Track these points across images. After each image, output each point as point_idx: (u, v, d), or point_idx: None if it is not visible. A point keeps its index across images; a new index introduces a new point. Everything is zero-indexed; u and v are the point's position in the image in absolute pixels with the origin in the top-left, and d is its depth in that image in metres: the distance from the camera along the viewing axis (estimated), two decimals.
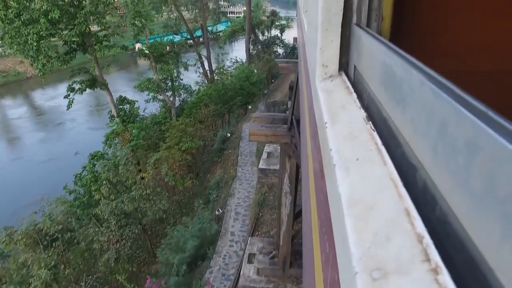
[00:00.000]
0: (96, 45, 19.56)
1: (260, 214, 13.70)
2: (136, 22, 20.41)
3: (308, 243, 1.81)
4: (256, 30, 44.37)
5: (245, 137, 19.65)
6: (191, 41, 32.20)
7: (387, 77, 0.78)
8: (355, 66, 1.19)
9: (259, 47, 44.29)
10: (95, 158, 17.64)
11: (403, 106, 0.67)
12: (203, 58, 31.53)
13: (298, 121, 7.81)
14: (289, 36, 44.71)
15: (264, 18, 51.84)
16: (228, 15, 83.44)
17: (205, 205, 15.32)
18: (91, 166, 17.27)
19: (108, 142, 22.85)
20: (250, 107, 24.07)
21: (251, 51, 43.44)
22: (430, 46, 1.69)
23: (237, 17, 64.15)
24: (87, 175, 17.16)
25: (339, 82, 1.28)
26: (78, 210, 17.05)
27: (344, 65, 1.33)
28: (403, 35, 1.48)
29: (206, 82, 31.77)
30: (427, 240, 0.51)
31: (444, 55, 1.74)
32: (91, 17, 20.54)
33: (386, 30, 1.21)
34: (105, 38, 21.44)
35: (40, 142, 30.25)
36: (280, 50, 44.73)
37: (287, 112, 20.98)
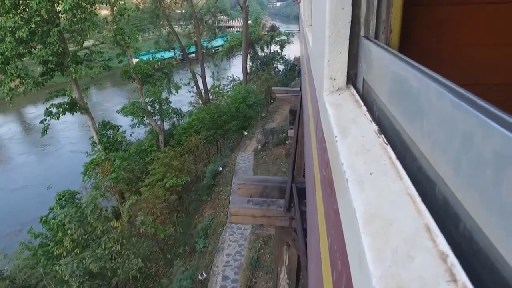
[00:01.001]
0: (71, 66, 17.06)
1: (254, 280, 10.96)
2: (118, 40, 17.94)
3: (314, 263, 1.73)
4: (255, 46, 42.21)
5: (239, 171, 17.01)
6: (185, 57, 29.84)
7: (401, 89, 0.75)
8: (364, 79, 1.16)
9: (259, 62, 42.09)
10: (63, 198, 14.95)
11: (420, 119, 0.64)
12: (197, 77, 29.10)
13: (301, 191, 5.23)
14: (289, 51, 42.54)
15: (264, 33, 49.86)
16: (228, 29, 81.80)
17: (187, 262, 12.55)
18: (58, 207, 14.59)
19: (88, 173, 20.28)
20: (246, 133, 21.46)
21: (250, 67, 41.17)
22: (437, 59, 1.64)
23: (236, 31, 61.95)
24: (54, 218, 14.48)
25: (348, 95, 1.24)
26: (43, 259, 14.30)
27: (352, 78, 1.29)
28: (412, 48, 1.41)
29: (201, 102, 29.29)
30: (452, 258, 0.48)
31: (451, 68, 1.69)
32: (69, 35, 18.15)
33: (394, 42, 1.20)
34: (85, 58, 19.04)
35: (23, 166, 27.66)
36: (280, 67, 42.52)
37: (287, 142, 18.38)
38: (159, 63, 21.72)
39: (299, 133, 7.20)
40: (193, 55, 31.75)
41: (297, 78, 36.54)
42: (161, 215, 14.49)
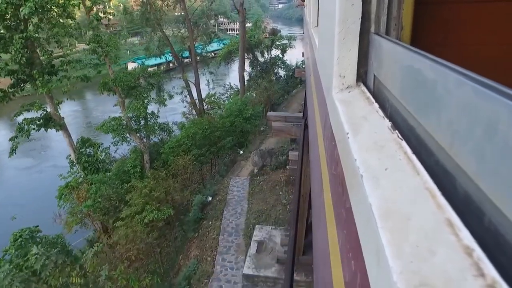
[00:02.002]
0: (38, 79, 14.57)
1: None
2: (92, 47, 15.44)
3: (322, 263, 1.64)
4: (255, 50, 39.68)
5: (231, 201, 14.41)
6: (177, 64, 27.22)
7: (416, 83, 0.73)
8: (375, 76, 1.14)
9: (258, 68, 39.54)
10: (20, 239, 12.42)
11: (438, 111, 0.61)
12: (191, 85, 26.54)
13: None
14: (291, 56, 40.00)
15: (265, 35, 47.23)
16: (228, 32, 79.10)
17: None
18: (14, 250, 12.07)
19: (63, 198, 17.79)
20: (241, 151, 18.85)
21: (249, 73, 38.52)
22: (448, 57, 1.19)
23: (237, 34, 59.25)
24: (9, 262, 11.97)
25: (358, 93, 1.21)
26: None
27: (362, 75, 1.26)
28: (423, 45, 1.13)
29: (195, 112, 26.73)
30: (478, 253, 0.46)
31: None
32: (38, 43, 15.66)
33: (406, 39, 1.18)
34: (59, 68, 16.55)
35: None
36: (282, 72, 39.94)
37: (288, 166, 15.66)
38: (146, 72, 19.02)
39: (303, 162, 6.44)
40: (188, 59, 29.02)
41: (299, 86, 33.92)
42: (136, 261, 11.93)
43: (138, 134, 18.16)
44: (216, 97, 26.58)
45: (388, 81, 0.98)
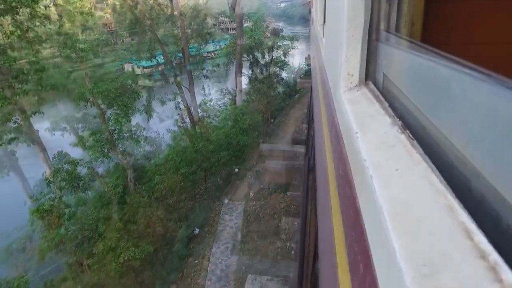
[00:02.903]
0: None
1: None
2: (65, 53, 13.25)
3: (328, 268, 1.59)
4: (255, 52, 37.38)
5: (222, 233, 12.18)
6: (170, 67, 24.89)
7: (429, 81, 0.71)
8: (384, 74, 1.09)
9: (259, 70, 37.23)
10: None
11: (452, 110, 0.60)
12: (185, 90, 24.28)
13: None
14: (293, 59, 37.69)
15: (266, 34, 44.79)
16: (229, 31, 76.76)
17: None
18: None
19: (35, 223, 15.67)
20: (237, 169, 16.58)
21: (250, 75, 36.22)
22: (460, 54, 1.16)
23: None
24: None
25: (366, 92, 1.15)
26: None
27: (371, 74, 1.20)
28: (435, 42, 1.14)
29: (189, 121, 24.48)
30: (495, 257, 0.43)
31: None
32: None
33: (417, 37, 1.19)
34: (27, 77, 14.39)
35: None
36: (284, 74, 37.65)
37: (288, 193, 13.16)
38: (132, 80, 16.74)
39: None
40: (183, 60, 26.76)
41: (302, 90, 31.59)
42: None
43: (121, 149, 15.91)
44: (212, 104, 24.26)
45: (398, 80, 0.94)
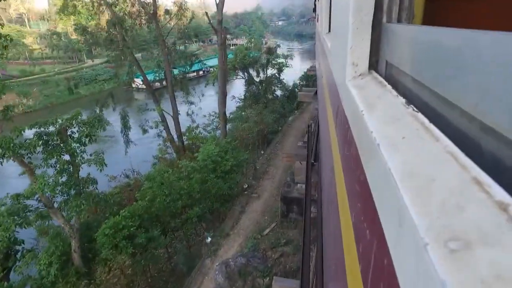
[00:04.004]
0: None
1: None
2: None
3: (332, 243, 1.55)
4: (251, 70, 31.81)
5: None
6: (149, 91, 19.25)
7: (434, 55, 0.66)
8: (387, 62, 1.08)
9: (254, 87, 31.70)
10: None
11: (461, 76, 0.55)
12: (168, 117, 18.74)
13: None
14: (288, 76, 32.13)
15: (264, 48, 39.27)
16: (231, 47, 71.18)
17: None
18: None
19: None
20: (209, 238, 11.04)
21: (244, 92, 30.69)
22: None
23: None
24: None
25: (371, 79, 1.13)
26: None
27: (374, 64, 1.18)
28: None
29: (173, 151, 18.96)
30: None
31: None
32: None
33: None
34: None
35: None
36: (279, 92, 32.13)
37: None
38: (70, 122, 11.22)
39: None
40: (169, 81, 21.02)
41: (296, 111, 25.96)
42: None
43: (61, 212, 10.39)
44: (197, 132, 18.71)
45: (401, 63, 0.91)
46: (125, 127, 17.48)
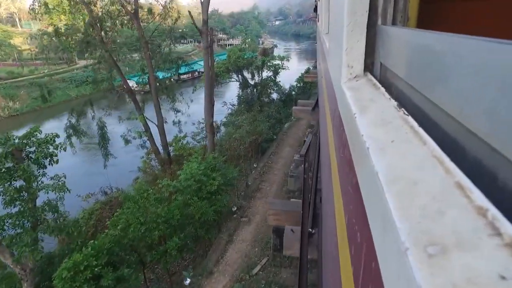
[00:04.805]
0: None
1: None
2: None
3: (330, 244, 1.54)
4: (246, 72, 30.07)
5: None
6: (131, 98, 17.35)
7: (423, 59, 0.67)
8: (381, 64, 1.07)
9: (249, 90, 29.95)
10: None
11: (447, 80, 0.55)
12: (160, 125, 16.94)
13: None
14: (285, 77, 30.40)
15: (259, 48, 37.49)
16: (227, 47, 69.28)
17: None
18: None
19: None
20: (188, 280, 9.28)
21: (238, 97, 28.87)
22: None
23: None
24: None
25: (365, 81, 1.13)
26: None
27: (369, 66, 1.17)
28: None
29: (158, 163, 17.20)
30: (494, 212, 0.39)
31: None
32: None
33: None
34: None
35: None
36: (275, 95, 30.44)
37: None
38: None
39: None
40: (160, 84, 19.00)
41: (293, 118, 24.20)
42: None
43: (10, 250, 8.61)
44: (184, 143, 16.93)
45: (394, 66, 0.91)
46: (103, 138, 15.65)
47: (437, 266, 0.34)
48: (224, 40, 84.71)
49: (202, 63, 34.99)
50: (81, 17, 15.99)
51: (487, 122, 0.42)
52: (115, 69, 16.39)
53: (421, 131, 0.63)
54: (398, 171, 0.53)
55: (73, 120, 15.48)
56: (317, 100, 11.97)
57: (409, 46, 0.75)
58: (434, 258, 0.35)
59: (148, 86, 17.17)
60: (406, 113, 0.73)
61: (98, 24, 15.93)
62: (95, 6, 16.49)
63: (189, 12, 13.90)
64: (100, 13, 16.14)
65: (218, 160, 12.88)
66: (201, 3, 12.30)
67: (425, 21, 1.34)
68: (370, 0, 1.05)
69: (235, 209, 12.22)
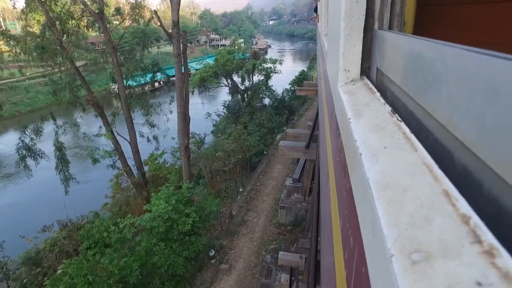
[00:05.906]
0: None
1: None
2: None
3: (327, 249, 1.51)
4: (235, 76, 27.69)
5: None
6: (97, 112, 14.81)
7: (416, 66, 0.67)
8: (377, 68, 1.05)
9: (239, 96, 27.68)
10: None
11: (438, 88, 0.55)
12: (129, 142, 14.49)
13: None
14: (278, 80, 28.11)
15: (252, 49, 35.01)
16: (220, 47, 66.55)
17: None
18: None
19: None
20: None
21: (229, 104, 26.37)
22: None
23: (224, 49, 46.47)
24: None
25: (362, 85, 1.11)
26: None
27: (366, 70, 1.16)
28: None
29: (131, 185, 14.76)
30: (475, 220, 0.40)
31: None
32: None
33: (408, 33, 1.11)
34: None
35: None
36: (266, 101, 28.13)
37: None
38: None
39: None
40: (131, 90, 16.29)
41: (285, 127, 21.80)
42: None
43: None
44: (162, 161, 14.51)
45: (389, 71, 0.89)
46: (62, 160, 13.16)
47: (420, 273, 0.35)
48: (216, 40, 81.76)
49: (193, 63, 32.27)
50: (36, 18, 13.50)
51: (473, 131, 0.42)
52: (79, 77, 13.91)
53: (413, 137, 0.63)
54: (389, 178, 0.53)
55: (27, 139, 13.05)
56: (314, 125, 9.42)
57: (403, 52, 0.75)
58: (417, 265, 0.36)
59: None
60: (400, 119, 0.72)
61: (57, 26, 13.43)
62: (56, 4, 13.98)
63: (155, 12, 11.43)
64: (60, 13, 13.64)
65: (193, 191, 10.50)
66: (170, 1, 9.91)
67: (422, 26, 1.33)
68: (367, 4, 1.04)
69: (213, 253, 9.88)
